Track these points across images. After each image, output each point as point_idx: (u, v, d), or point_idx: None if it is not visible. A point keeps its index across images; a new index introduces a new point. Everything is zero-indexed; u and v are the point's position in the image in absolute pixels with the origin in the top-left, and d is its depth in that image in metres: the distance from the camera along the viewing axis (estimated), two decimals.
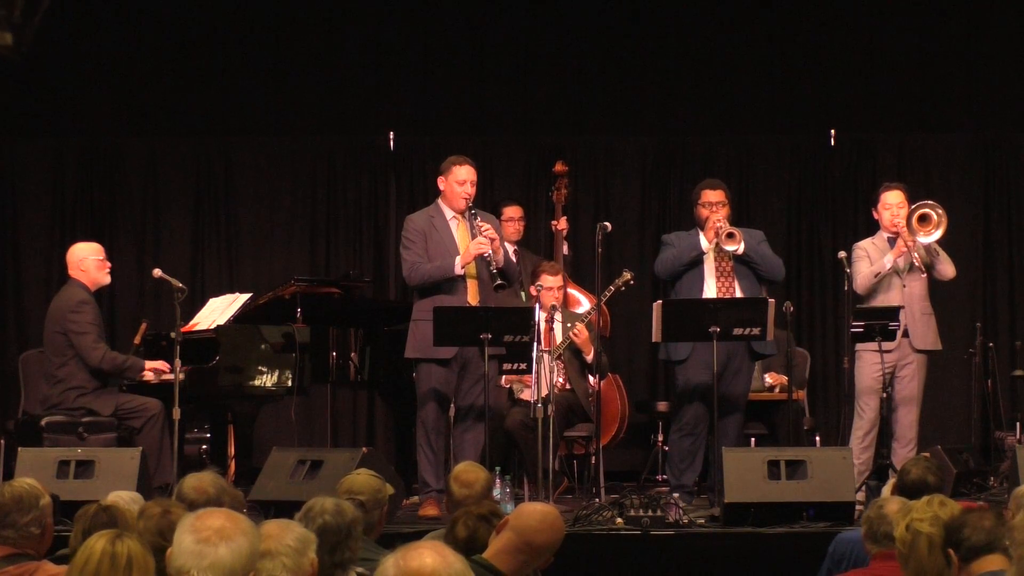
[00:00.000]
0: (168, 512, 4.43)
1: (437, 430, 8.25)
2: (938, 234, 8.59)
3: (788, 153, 11.42)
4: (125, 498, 5.34)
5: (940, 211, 8.58)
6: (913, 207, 8.63)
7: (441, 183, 8.38)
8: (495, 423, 8.48)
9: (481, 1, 11.43)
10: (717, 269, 8.58)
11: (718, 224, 8.48)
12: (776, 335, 8.73)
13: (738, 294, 8.53)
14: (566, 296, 9.55)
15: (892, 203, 8.74)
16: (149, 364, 8.72)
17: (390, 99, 11.38)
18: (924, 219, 8.61)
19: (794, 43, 11.38)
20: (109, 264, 8.94)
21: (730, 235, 8.46)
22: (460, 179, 8.28)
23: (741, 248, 8.50)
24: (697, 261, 8.57)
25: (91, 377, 8.66)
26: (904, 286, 8.67)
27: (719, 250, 8.53)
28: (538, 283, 9.03)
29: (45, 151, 11.34)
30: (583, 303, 9.75)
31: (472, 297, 8.23)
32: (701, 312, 8.23)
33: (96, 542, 3.48)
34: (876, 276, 8.66)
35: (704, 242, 8.55)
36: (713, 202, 8.59)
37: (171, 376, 8.37)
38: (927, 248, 8.64)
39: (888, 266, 8.65)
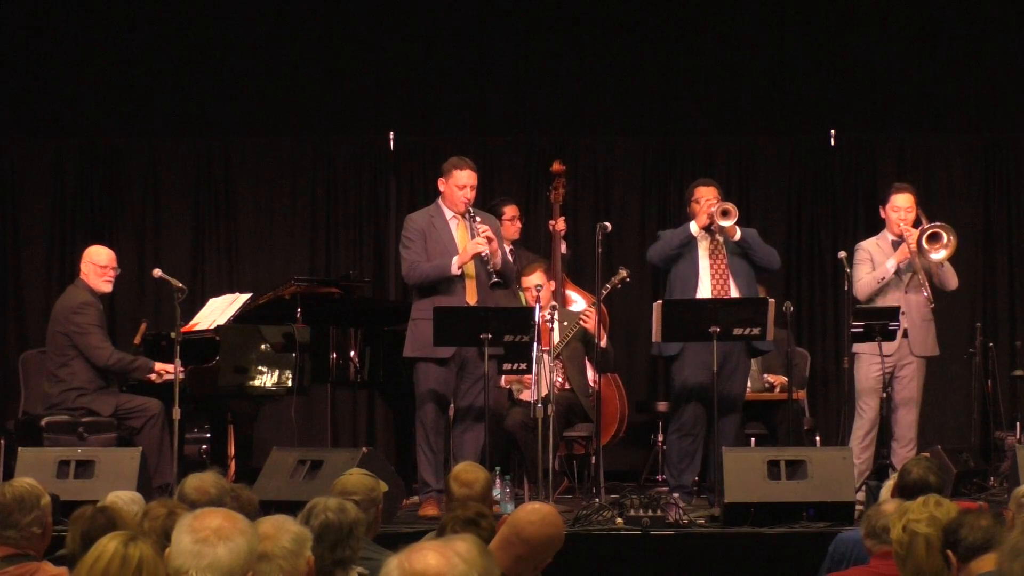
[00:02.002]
0: (173, 513, 4.43)
1: (436, 430, 8.25)
2: (944, 255, 8.60)
3: (788, 153, 11.42)
4: (124, 498, 5.34)
5: (952, 236, 8.58)
6: (926, 227, 8.61)
7: (441, 184, 8.38)
8: (495, 423, 8.48)
9: (481, 1, 11.43)
10: (712, 267, 8.57)
11: (711, 206, 8.46)
12: (776, 335, 8.72)
13: (733, 293, 8.53)
14: (564, 296, 9.53)
15: (901, 206, 8.71)
16: (159, 365, 8.71)
17: (390, 99, 11.38)
18: (934, 238, 8.61)
19: (794, 43, 11.38)
20: (115, 273, 8.91)
21: (725, 212, 8.43)
22: (460, 183, 8.28)
23: (738, 234, 8.49)
24: (686, 244, 8.53)
25: (94, 378, 8.66)
26: (906, 292, 8.67)
27: (711, 237, 8.50)
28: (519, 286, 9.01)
29: (45, 151, 11.33)
30: (579, 302, 9.72)
31: (470, 297, 8.24)
32: (701, 312, 8.22)
33: (109, 543, 3.47)
34: (880, 281, 8.65)
35: (694, 226, 8.54)
36: (706, 199, 8.59)
37: (171, 376, 8.37)
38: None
39: (891, 271, 8.64)
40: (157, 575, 3.45)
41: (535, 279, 9.01)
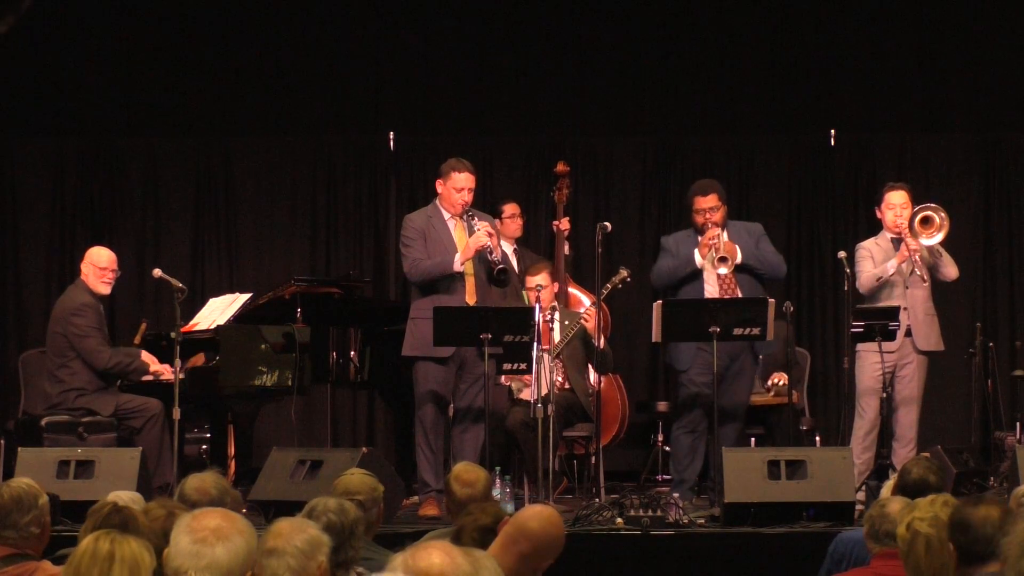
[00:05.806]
0: (173, 514, 4.43)
1: (436, 430, 8.25)
2: (940, 237, 8.58)
3: (788, 153, 11.41)
4: (124, 498, 5.33)
5: (943, 214, 8.57)
6: (916, 209, 8.62)
7: (439, 186, 8.37)
8: (495, 423, 8.48)
9: (481, 2, 11.42)
10: (718, 276, 8.56)
11: (711, 241, 8.46)
12: (777, 330, 8.69)
13: (738, 295, 8.52)
14: (567, 296, 9.54)
15: (896, 203, 8.71)
16: (154, 366, 8.70)
17: (390, 99, 11.38)
18: (927, 221, 8.59)
19: (794, 43, 11.37)
20: (115, 275, 8.91)
21: (722, 259, 8.43)
22: (458, 186, 8.28)
23: (739, 258, 8.49)
24: (693, 276, 8.56)
25: (93, 378, 8.66)
26: (907, 287, 8.66)
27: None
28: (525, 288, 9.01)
29: (45, 151, 11.33)
30: (585, 302, 9.72)
31: (470, 296, 8.24)
32: (701, 312, 8.22)
33: (85, 540, 3.48)
34: (878, 280, 8.64)
35: (699, 257, 8.54)
36: (706, 208, 8.57)
37: (171, 376, 8.37)
38: (929, 249, 8.63)
39: (891, 272, 8.63)
40: (137, 568, 3.44)
41: (539, 279, 9.02)
